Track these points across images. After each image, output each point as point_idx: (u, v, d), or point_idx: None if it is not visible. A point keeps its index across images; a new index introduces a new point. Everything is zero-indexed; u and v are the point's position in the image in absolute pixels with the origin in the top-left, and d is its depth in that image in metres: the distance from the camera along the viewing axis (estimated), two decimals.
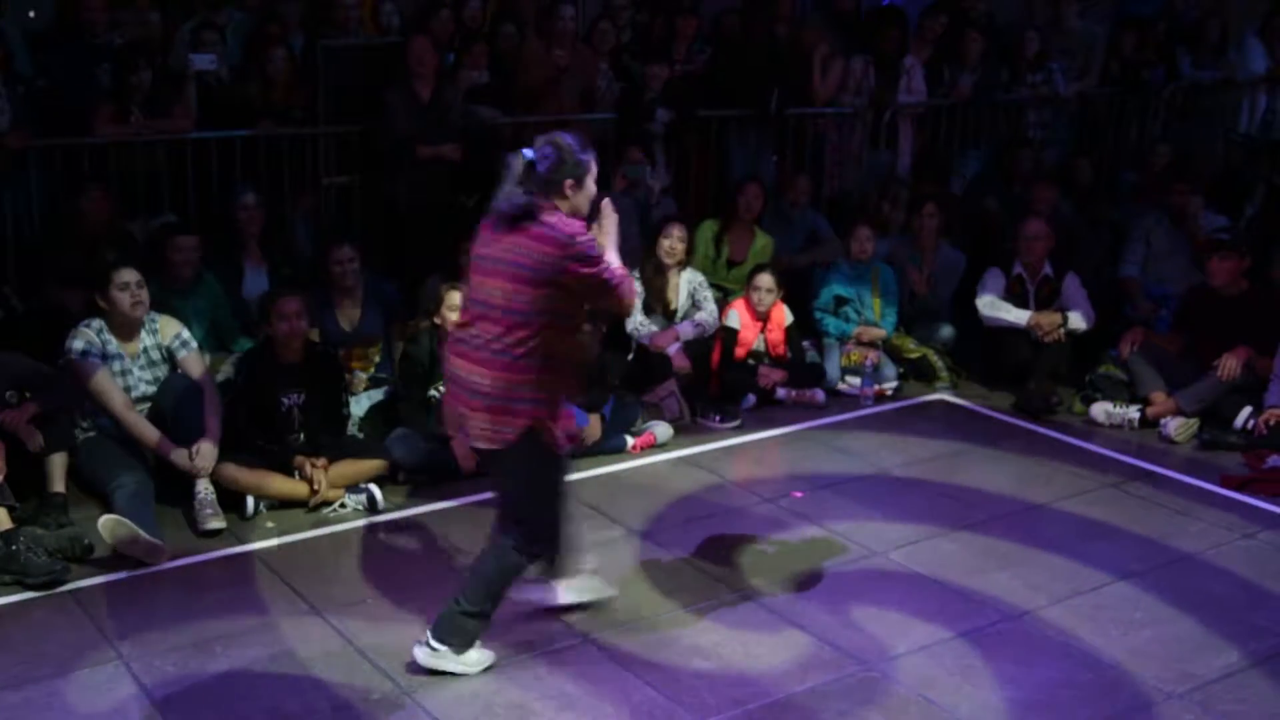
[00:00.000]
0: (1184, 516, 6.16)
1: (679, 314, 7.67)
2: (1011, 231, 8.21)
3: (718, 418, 7.33)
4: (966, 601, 5.28)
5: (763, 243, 8.41)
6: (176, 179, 7.85)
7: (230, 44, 8.45)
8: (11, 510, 5.47)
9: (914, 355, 8.05)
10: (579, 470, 6.60)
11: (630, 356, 7.57)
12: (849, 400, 7.74)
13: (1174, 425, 7.12)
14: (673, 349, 7.44)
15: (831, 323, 8.03)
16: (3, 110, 7.40)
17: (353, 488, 6.16)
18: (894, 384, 7.87)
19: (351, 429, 6.61)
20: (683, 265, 7.72)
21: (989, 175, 9.90)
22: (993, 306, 7.81)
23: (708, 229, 8.46)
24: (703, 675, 4.72)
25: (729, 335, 7.63)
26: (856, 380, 7.77)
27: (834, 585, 5.43)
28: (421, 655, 4.62)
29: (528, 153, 4.50)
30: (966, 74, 9.75)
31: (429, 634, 4.63)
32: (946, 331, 8.19)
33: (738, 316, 7.67)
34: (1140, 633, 5.06)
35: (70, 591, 5.28)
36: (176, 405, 6.10)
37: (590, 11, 9.82)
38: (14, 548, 5.29)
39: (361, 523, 6.03)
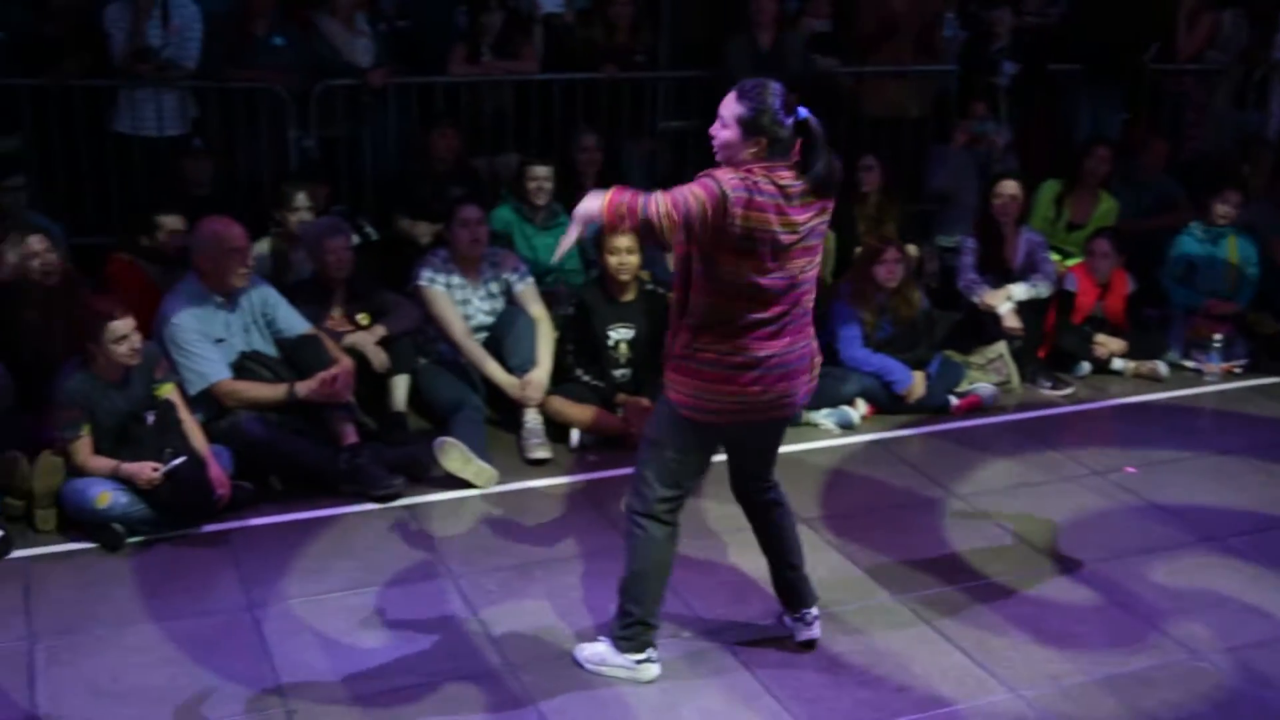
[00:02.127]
0: None
1: (1015, 274, 7.43)
2: None
3: (1049, 384, 7.08)
4: None
5: (1106, 206, 8.04)
6: (521, 119, 8.12)
7: None
8: (359, 425, 5.81)
9: (1270, 331, 7.54)
10: (909, 426, 6.55)
11: (958, 315, 7.40)
12: (1192, 376, 7.34)
13: None
14: (1004, 309, 7.22)
15: (1180, 292, 7.61)
16: (366, 49, 7.83)
17: None
18: (1244, 361, 7.40)
19: None
20: (1020, 224, 7.47)
21: None
22: None
23: (1049, 189, 8.14)
24: (1018, 645, 4.58)
25: (1065, 299, 7.34)
26: (1203, 355, 7.34)
27: (1164, 567, 5.17)
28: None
29: (805, 111, 4.04)
30: None
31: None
32: None
33: (1075, 281, 7.37)
34: None
35: (406, 506, 5.58)
36: (512, 336, 6.34)
37: None
38: (359, 461, 5.62)
39: None
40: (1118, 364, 7.33)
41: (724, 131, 3.98)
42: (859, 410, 6.60)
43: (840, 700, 4.25)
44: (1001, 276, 7.35)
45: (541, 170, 7.20)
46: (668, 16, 8.57)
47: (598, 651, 4.38)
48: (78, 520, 5.21)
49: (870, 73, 8.54)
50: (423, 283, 6.39)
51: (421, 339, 6.43)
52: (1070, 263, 7.62)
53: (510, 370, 6.25)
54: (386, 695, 4.22)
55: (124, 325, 5.21)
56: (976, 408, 6.79)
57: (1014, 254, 7.40)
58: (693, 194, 3.82)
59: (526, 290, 6.56)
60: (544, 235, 7.14)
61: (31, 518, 5.28)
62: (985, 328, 7.23)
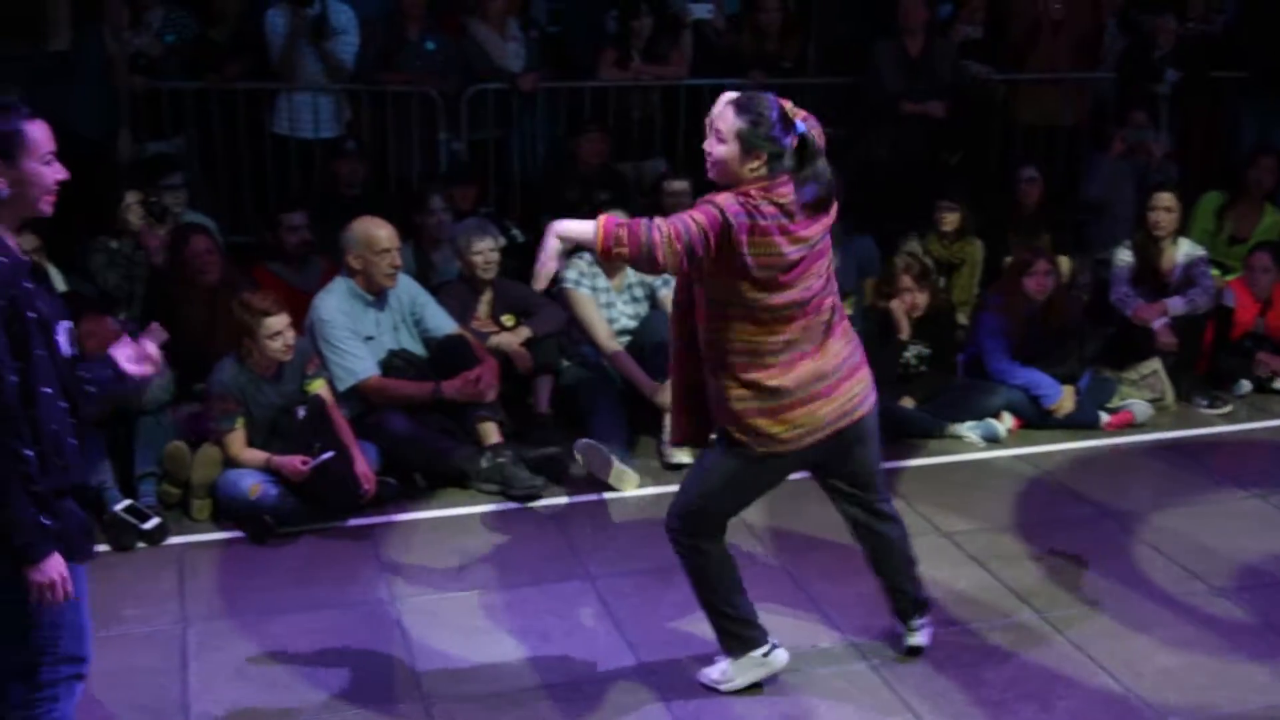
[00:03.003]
0: None
1: (1170, 288, 7.23)
2: None
3: (1205, 402, 6.88)
4: None
5: (1271, 220, 7.76)
6: (668, 124, 8.15)
7: None
8: (501, 426, 5.88)
9: None
10: (1056, 442, 6.42)
11: (1111, 329, 7.22)
12: None
13: None
14: (1158, 324, 7.02)
15: None
16: (517, 54, 7.94)
17: None
18: None
19: None
20: (1177, 237, 7.27)
21: None
22: None
23: (1210, 201, 7.89)
24: (1167, 671, 4.44)
25: (1224, 315, 7.12)
26: None
27: None
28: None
29: (803, 125, 3.81)
30: None
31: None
32: None
33: (1234, 296, 7.14)
34: None
35: (545, 507, 5.63)
36: (655, 340, 6.35)
37: None
38: (500, 460, 5.69)
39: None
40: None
41: (720, 147, 3.80)
42: (1004, 424, 6.48)
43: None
44: (1157, 290, 7.15)
45: (679, 185, 7.20)
46: (816, 22, 8.53)
47: (723, 670, 4.31)
48: (229, 510, 5.37)
49: (1025, 80, 8.38)
50: (568, 285, 6.45)
51: (565, 341, 6.48)
52: (1230, 277, 7.39)
53: (652, 374, 6.27)
54: (523, 693, 4.26)
55: (279, 321, 5.36)
56: (1129, 425, 6.62)
57: (1171, 267, 7.19)
58: (694, 220, 3.66)
59: (670, 295, 6.55)
60: None
61: (188, 506, 5.46)
62: (1139, 343, 7.04)
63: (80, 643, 3.25)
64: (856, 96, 8.21)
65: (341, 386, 5.74)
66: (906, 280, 6.58)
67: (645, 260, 3.65)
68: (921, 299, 6.65)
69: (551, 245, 3.74)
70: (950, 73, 8.02)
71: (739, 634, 4.25)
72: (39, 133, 3.12)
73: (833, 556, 5.11)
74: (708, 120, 3.85)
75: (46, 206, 3.18)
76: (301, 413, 5.47)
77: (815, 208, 3.83)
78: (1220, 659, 4.52)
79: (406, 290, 6.06)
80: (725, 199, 3.73)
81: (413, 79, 7.70)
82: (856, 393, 4.03)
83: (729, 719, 4.16)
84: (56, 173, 3.15)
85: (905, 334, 6.66)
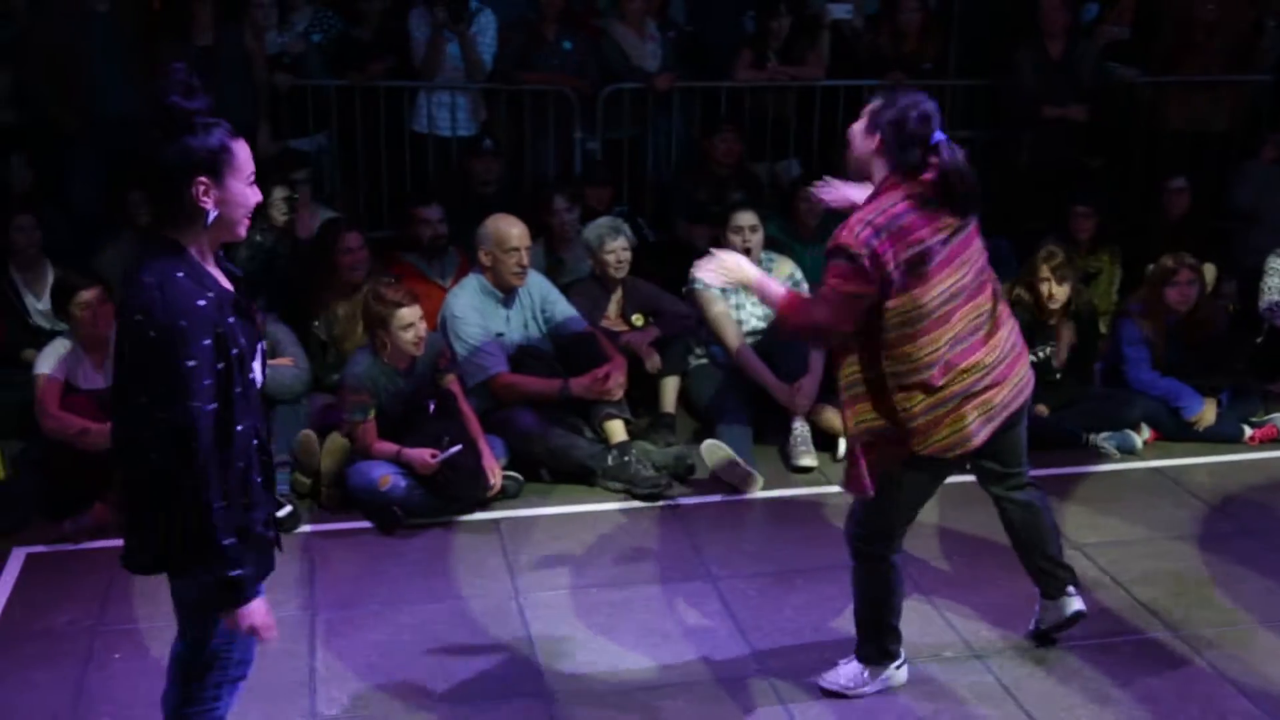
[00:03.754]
0: None
1: None
2: None
3: None
4: None
5: None
6: (803, 126, 8.10)
7: None
8: (628, 424, 5.91)
9: None
10: (1197, 455, 6.25)
11: (1259, 339, 6.99)
12: None
13: None
14: None
15: None
16: (654, 54, 7.96)
17: None
18: None
19: None
20: None
21: None
22: None
23: None
24: None
25: None
26: None
27: None
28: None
29: (943, 136, 3.80)
30: None
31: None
32: None
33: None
34: None
35: (670, 506, 5.64)
36: (784, 343, 6.32)
37: None
38: (626, 459, 5.71)
39: (949, 480, 5.96)
40: None
41: (863, 142, 3.83)
42: (1142, 435, 6.32)
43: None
44: None
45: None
46: (957, 23, 8.41)
47: (852, 676, 4.27)
48: (359, 500, 5.47)
49: (1174, 83, 8.16)
50: (699, 286, 6.44)
51: (694, 341, 6.47)
52: None
53: (781, 377, 6.24)
54: (642, 691, 4.28)
55: (411, 314, 5.44)
56: (1274, 440, 6.40)
57: None
58: (836, 293, 3.72)
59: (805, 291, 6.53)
60: (812, 250, 7.08)
61: (318, 495, 5.57)
62: None
63: (248, 647, 3.22)
64: (997, 99, 8.07)
65: (472, 382, 5.82)
66: (1045, 270, 6.38)
67: (816, 339, 3.96)
68: (1060, 291, 6.42)
69: (733, 269, 4.00)
70: (1092, 76, 7.84)
71: (887, 646, 4.24)
72: (244, 153, 2.98)
73: (959, 566, 5.05)
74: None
75: (243, 230, 3.05)
76: (432, 406, 5.55)
77: (949, 202, 3.78)
78: None
79: (537, 287, 6.12)
80: (847, 236, 3.71)
81: (549, 78, 7.76)
82: (1024, 375, 4.03)
83: None
84: (256, 195, 3.03)
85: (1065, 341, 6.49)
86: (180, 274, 2.89)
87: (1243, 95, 8.32)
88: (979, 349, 3.89)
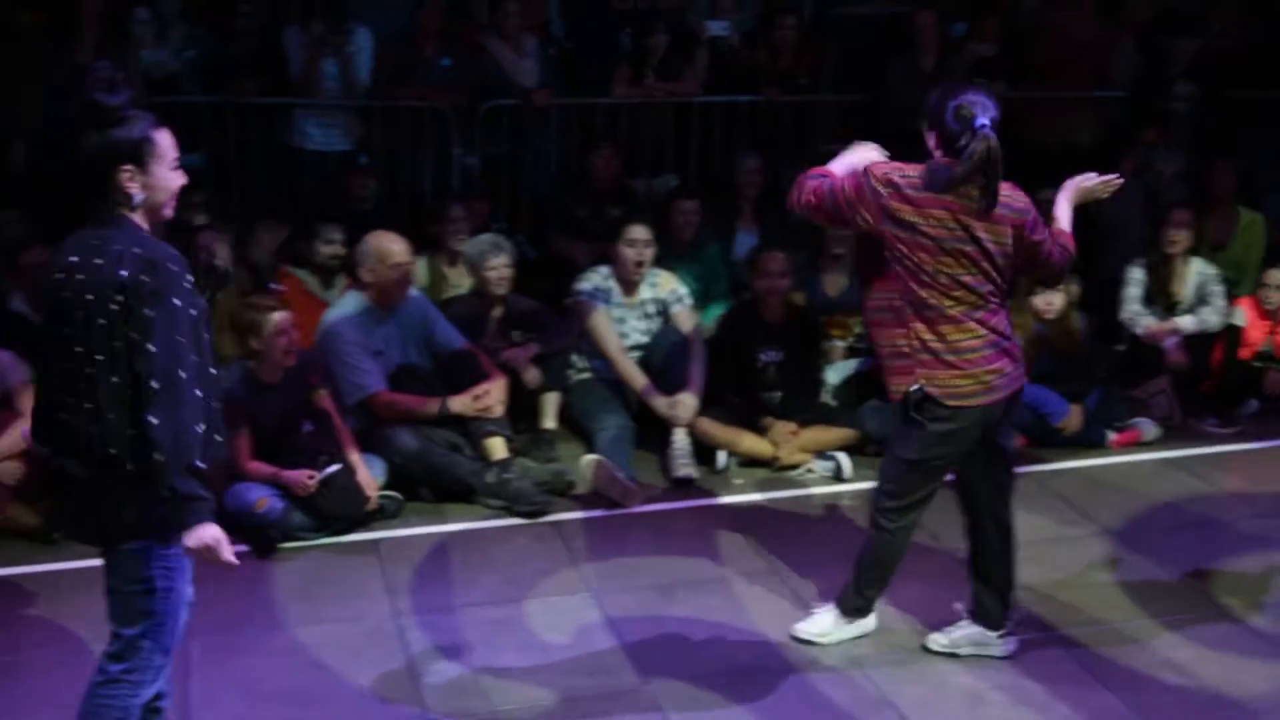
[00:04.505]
0: None
1: (1181, 306, 7.19)
2: None
3: (1214, 421, 6.82)
4: None
5: (1248, 219, 7.78)
6: (681, 141, 8.14)
7: (743, 10, 8.64)
8: (508, 441, 5.86)
9: None
10: (1062, 460, 6.38)
11: (1122, 347, 7.17)
12: None
13: None
14: (1169, 343, 6.98)
15: None
16: (531, 70, 7.96)
17: (821, 454, 6.19)
18: None
19: (824, 396, 6.62)
20: (1189, 255, 7.23)
21: None
22: None
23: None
24: (1171, 690, 4.41)
25: (1233, 333, 7.07)
26: None
27: None
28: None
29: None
30: None
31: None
32: None
33: (1244, 314, 7.09)
34: None
35: (551, 523, 5.61)
36: (665, 356, 6.36)
37: None
38: (507, 476, 5.68)
39: (827, 489, 6.06)
40: None
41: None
42: (1012, 440, 6.42)
43: None
44: (1168, 309, 7.11)
45: (689, 204, 7.19)
46: (832, 40, 8.51)
47: (824, 627, 4.61)
48: (236, 523, 5.35)
49: (1040, 99, 8.35)
50: (583, 297, 6.44)
51: (575, 356, 6.47)
52: (1239, 293, 7.34)
53: (661, 390, 6.26)
54: (524, 710, 4.25)
55: (283, 319, 5.38)
56: (1136, 443, 6.57)
57: (1182, 286, 7.16)
58: (838, 183, 4.22)
59: (683, 312, 6.56)
60: (685, 264, 7.12)
61: None
62: (1148, 361, 7.01)
63: (174, 640, 3.35)
64: (871, 112, 8.18)
65: (350, 400, 5.75)
66: None
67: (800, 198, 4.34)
68: None
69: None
70: None
71: (867, 605, 4.62)
72: (166, 140, 3.21)
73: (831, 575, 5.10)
74: None
75: (170, 211, 3.27)
76: (308, 427, 5.47)
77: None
78: (1224, 681, 4.47)
79: (417, 305, 6.07)
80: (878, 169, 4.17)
81: (427, 94, 7.71)
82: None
83: None
84: (179, 179, 3.25)
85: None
86: (144, 233, 3.15)
87: (1105, 110, 8.54)
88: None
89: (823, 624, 4.63)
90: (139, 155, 3.14)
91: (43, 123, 7.04)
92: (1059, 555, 5.38)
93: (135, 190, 3.14)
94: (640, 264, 6.45)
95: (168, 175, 3.21)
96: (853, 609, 4.62)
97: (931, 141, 4.19)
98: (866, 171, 4.17)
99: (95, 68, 3.16)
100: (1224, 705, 4.33)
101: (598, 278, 6.51)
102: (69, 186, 3.21)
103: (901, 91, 7.83)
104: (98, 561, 3.36)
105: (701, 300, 7.16)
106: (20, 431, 5.20)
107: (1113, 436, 6.56)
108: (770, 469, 6.17)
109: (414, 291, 6.10)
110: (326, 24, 7.58)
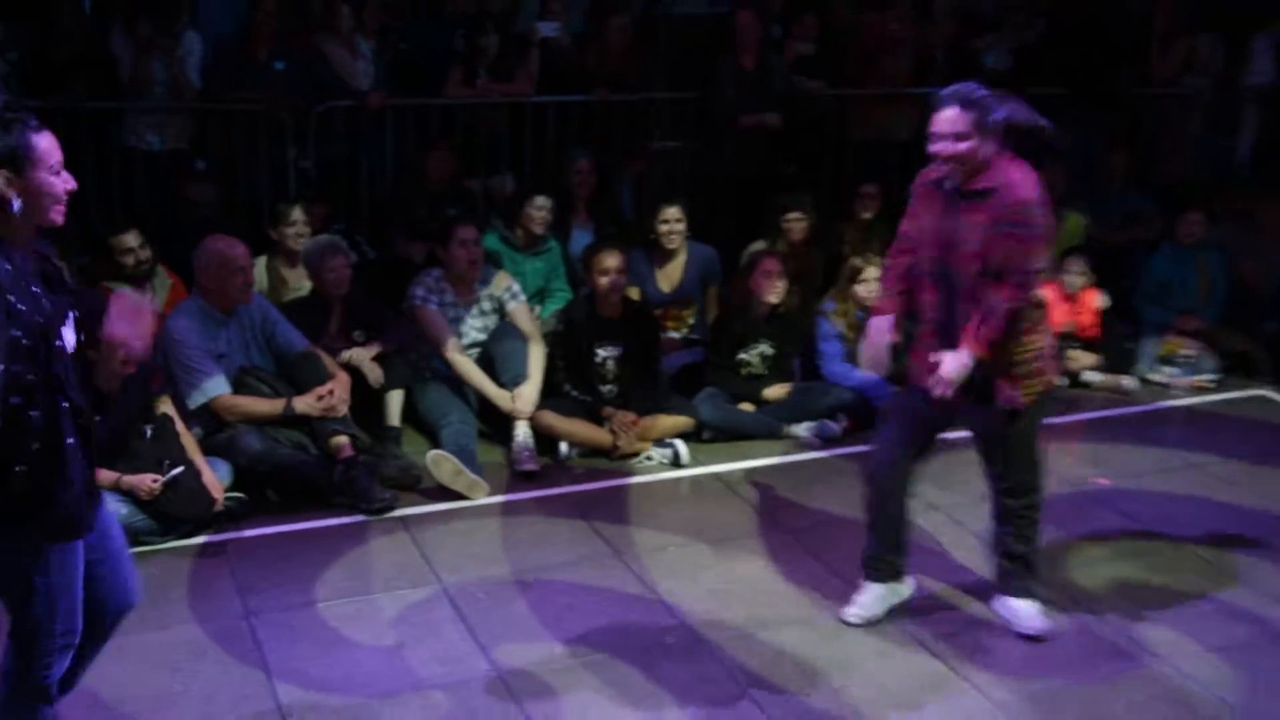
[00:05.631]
0: None
1: None
2: None
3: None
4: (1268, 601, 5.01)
5: (1073, 222, 8.10)
6: (515, 141, 8.18)
7: (573, 12, 8.70)
8: (353, 439, 5.86)
9: (1237, 349, 7.59)
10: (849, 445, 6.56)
11: None
12: (1162, 390, 7.39)
13: None
14: None
15: (1151, 310, 7.66)
16: (366, 72, 7.91)
17: (660, 441, 6.32)
18: (1213, 377, 7.45)
19: (662, 386, 6.73)
20: None
21: None
22: None
23: None
24: (988, 649, 4.62)
25: None
26: (1173, 370, 7.40)
27: (1133, 574, 5.22)
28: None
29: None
30: None
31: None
32: (1275, 327, 7.67)
33: (1045, 298, 7.39)
34: None
35: (399, 518, 5.63)
36: (503, 352, 6.40)
37: None
38: (353, 474, 5.67)
39: (666, 475, 6.18)
40: (1087, 376, 7.37)
41: (960, 145, 4.27)
42: (839, 424, 6.64)
43: (815, 700, 4.30)
44: None
45: (541, 199, 7.23)
46: (662, 40, 8.63)
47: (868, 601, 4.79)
48: None
49: (858, 95, 8.57)
50: (416, 301, 6.46)
51: (415, 355, 6.48)
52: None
53: (501, 385, 6.31)
54: (377, 701, 4.26)
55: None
56: None
57: None
58: (1032, 242, 4.27)
59: (518, 308, 6.62)
60: (532, 260, 7.19)
61: None
62: None
63: (72, 618, 3.35)
64: (699, 110, 8.32)
65: (193, 404, 5.68)
66: (769, 271, 6.67)
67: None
68: (775, 291, 6.74)
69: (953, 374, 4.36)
70: (783, 86, 8.17)
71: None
72: (46, 143, 3.09)
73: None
74: (932, 130, 4.31)
75: (58, 216, 3.15)
76: (149, 431, 5.39)
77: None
78: (1036, 638, 4.72)
79: (258, 308, 6.02)
80: (1029, 193, 4.28)
81: (261, 98, 7.59)
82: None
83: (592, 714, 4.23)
84: (66, 182, 3.15)
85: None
86: None
87: (923, 107, 8.78)
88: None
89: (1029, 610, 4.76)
90: (14, 161, 3.04)
91: None
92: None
93: (11, 196, 3.04)
94: (473, 263, 6.48)
95: (49, 180, 3.10)
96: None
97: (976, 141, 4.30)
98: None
99: None
100: (1030, 663, 4.55)
101: (430, 280, 6.53)
102: None
103: (727, 88, 8.00)
104: None
105: (544, 296, 7.23)
106: None
107: None
108: (610, 458, 6.28)
109: (255, 294, 6.04)
110: (155, 25, 7.42)
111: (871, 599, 4.80)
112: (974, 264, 4.33)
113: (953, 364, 4.36)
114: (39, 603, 3.26)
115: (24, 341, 3.00)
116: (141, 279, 6.47)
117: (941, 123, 4.29)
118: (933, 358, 4.47)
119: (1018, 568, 4.74)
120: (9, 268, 3.02)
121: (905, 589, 4.88)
